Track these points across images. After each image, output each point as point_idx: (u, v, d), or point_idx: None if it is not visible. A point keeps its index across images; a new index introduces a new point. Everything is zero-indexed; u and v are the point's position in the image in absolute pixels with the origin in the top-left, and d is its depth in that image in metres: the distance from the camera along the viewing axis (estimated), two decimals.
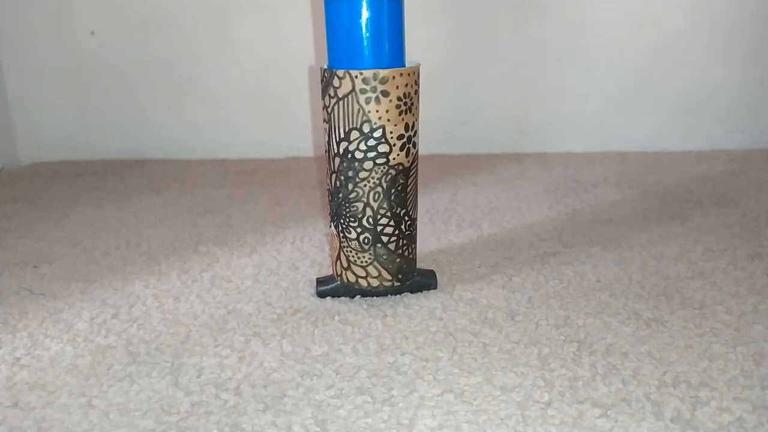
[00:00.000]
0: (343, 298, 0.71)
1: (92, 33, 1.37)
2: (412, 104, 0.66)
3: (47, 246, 0.90)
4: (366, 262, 0.69)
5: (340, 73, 0.63)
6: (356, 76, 0.63)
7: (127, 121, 1.42)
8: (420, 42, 1.27)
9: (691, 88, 1.33)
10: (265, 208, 1.04)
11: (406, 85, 0.64)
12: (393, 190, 0.67)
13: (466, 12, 1.31)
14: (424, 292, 0.72)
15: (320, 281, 0.73)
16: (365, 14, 0.63)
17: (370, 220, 0.68)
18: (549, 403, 0.52)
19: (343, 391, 0.54)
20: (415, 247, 0.72)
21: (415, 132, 0.68)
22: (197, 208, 1.06)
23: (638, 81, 1.33)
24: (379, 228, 0.68)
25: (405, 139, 0.66)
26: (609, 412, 0.50)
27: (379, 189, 0.66)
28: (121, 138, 1.43)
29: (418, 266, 0.75)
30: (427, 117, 1.28)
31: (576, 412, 0.51)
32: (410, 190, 0.69)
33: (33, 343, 0.63)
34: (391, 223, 0.68)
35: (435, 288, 0.73)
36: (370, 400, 0.53)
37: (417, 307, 0.69)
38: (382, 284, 0.70)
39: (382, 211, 0.67)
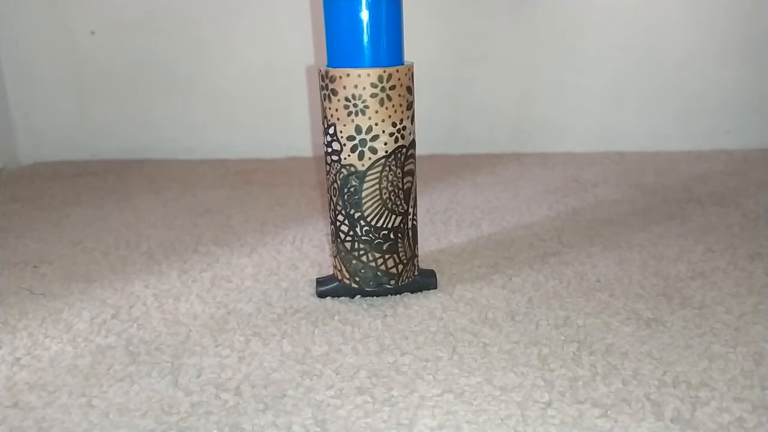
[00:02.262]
0: (343, 298, 0.71)
1: (92, 33, 1.37)
2: (365, 107, 0.64)
3: (47, 246, 0.90)
4: (334, 252, 0.71)
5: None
6: (319, 73, 0.67)
7: (127, 121, 1.42)
8: (420, 42, 1.27)
9: (691, 88, 1.33)
10: (265, 208, 1.04)
11: (355, 86, 0.63)
12: (345, 190, 0.67)
13: (466, 12, 1.31)
14: (424, 292, 0.72)
15: (320, 281, 0.73)
16: (363, 13, 0.63)
17: (332, 213, 0.70)
18: (549, 403, 0.52)
19: (343, 391, 0.54)
20: (386, 259, 0.69)
21: (375, 137, 0.65)
22: (197, 208, 1.06)
23: (638, 81, 1.33)
24: (337, 223, 0.69)
25: (357, 142, 0.65)
26: (609, 412, 0.50)
27: (335, 185, 0.68)
28: (121, 138, 1.43)
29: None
30: (427, 117, 1.28)
31: (576, 412, 0.51)
32: (368, 196, 0.67)
33: (33, 343, 0.63)
34: (346, 222, 0.69)
35: (435, 288, 0.73)
36: (370, 400, 0.53)
37: (417, 307, 0.69)
38: (344, 279, 0.71)
39: (338, 207, 0.69)
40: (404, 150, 0.67)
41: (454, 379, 0.55)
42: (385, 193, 0.67)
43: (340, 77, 0.64)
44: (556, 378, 0.55)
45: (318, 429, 0.50)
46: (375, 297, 0.71)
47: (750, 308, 0.66)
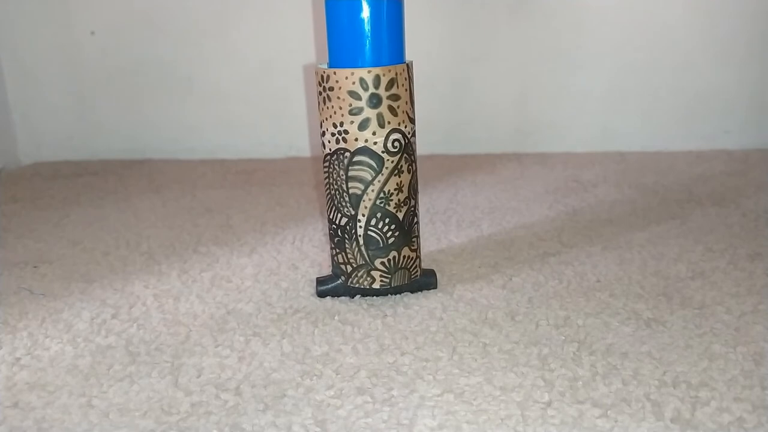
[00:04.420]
0: (343, 298, 0.71)
1: (92, 33, 1.37)
2: (318, 103, 0.68)
3: (47, 246, 0.90)
4: None
5: None
6: None
7: (127, 121, 1.42)
8: (420, 42, 1.27)
9: (691, 88, 1.33)
10: (265, 208, 1.04)
11: (315, 83, 0.68)
12: None
13: (465, 12, 1.31)
14: (424, 292, 0.72)
15: (320, 281, 0.73)
16: (364, 13, 0.63)
17: None
18: (549, 403, 0.52)
19: (343, 391, 0.54)
20: (337, 252, 0.70)
21: (323, 133, 0.68)
22: (197, 208, 1.06)
23: (638, 81, 1.33)
24: None
25: (320, 131, 0.69)
26: (609, 412, 0.50)
27: None
28: (121, 138, 1.43)
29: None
30: (427, 117, 1.28)
31: (576, 412, 0.51)
32: (325, 184, 0.69)
33: (33, 343, 0.63)
34: None
35: (435, 287, 0.73)
36: (370, 400, 0.53)
37: (417, 307, 0.69)
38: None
39: None
40: (347, 154, 0.66)
41: (454, 379, 0.55)
42: (333, 189, 0.69)
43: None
44: (556, 378, 0.55)
45: (318, 429, 0.50)
46: (375, 297, 0.71)
47: (750, 308, 0.66)
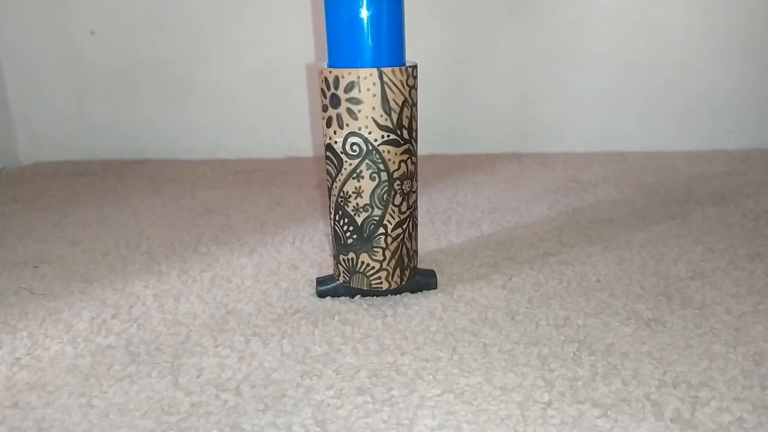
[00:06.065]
0: (343, 298, 0.71)
1: (92, 33, 1.37)
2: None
3: (47, 246, 0.90)
4: None
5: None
6: None
7: (127, 121, 1.42)
8: (420, 42, 1.27)
9: (691, 88, 1.33)
10: (265, 208, 1.04)
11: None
12: None
13: (465, 12, 1.31)
14: (424, 291, 0.72)
15: (320, 281, 0.73)
16: (363, 13, 0.63)
17: None
18: (549, 403, 0.52)
19: (343, 391, 0.54)
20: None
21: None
22: (197, 208, 1.06)
23: (638, 81, 1.33)
24: None
25: None
26: (609, 412, 0.50)
27: None
28: (121, 138, 1.43)
29: (417, 266, 0.75)
30: (427, 117, 1.29)
31: (576, 412, 0.51)
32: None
33: (33, 343, 0.63)
34: None
35: (435, 287, 0.73)
36: (370, 400, 0.53)
37: (417, 307, 0.69)
38: None
39: None
40: (324, 148, 0.69)
41: (454, 379, 0.55)
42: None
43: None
44: (556, 378, 0.55)
45: (318, 429, 0.50)
46: (375, 297, 0.71)
47: (750, 308, 0.66)
